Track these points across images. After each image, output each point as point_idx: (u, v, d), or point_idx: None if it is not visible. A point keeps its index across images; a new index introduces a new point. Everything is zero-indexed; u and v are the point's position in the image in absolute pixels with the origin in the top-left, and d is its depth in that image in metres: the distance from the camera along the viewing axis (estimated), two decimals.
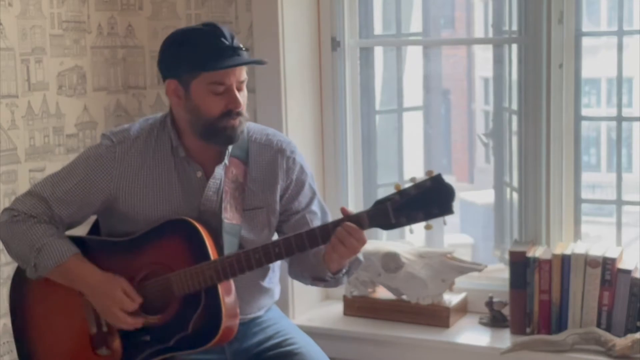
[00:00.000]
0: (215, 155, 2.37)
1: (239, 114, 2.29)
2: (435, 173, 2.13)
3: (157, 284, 2.30)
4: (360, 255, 2.36)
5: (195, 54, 2.25)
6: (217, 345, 2.30)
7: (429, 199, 2.11)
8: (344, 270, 2.34)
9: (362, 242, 2.20)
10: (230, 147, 2.38)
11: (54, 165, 3.05)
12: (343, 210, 2.23)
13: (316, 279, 2.38)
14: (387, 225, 2.17)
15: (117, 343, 2.33)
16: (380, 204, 2.16)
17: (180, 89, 2.30)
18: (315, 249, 2.30)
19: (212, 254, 2.27)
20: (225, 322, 2.25)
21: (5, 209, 2.40)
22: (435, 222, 2.16)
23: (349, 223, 2.18)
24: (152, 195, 2.36)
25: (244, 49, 2.30)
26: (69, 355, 2.39)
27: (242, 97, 2.31)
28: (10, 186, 2.96)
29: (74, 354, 2.38)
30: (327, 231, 2.20)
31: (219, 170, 2.37)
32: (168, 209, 2.35)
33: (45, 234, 2.32)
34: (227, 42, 2.25)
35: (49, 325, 2.40)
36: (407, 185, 2.16)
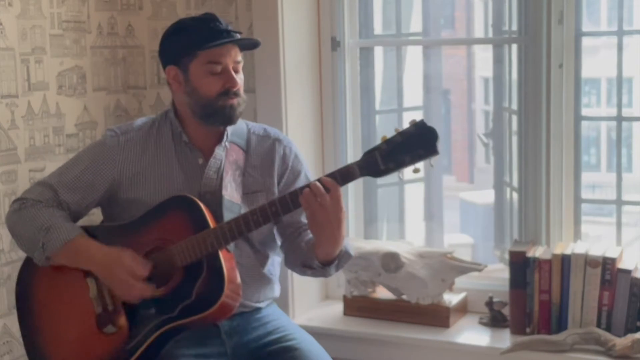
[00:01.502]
0: (216, 143, 2.47)
1: (236, 93, 2.40)
2: (418, 120, 2.20)
3: (159, 257, 2.34)
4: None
5: (192, 37, 2.37)
6: (216, 317, 2.32)
7: (414, 143, 2.19)
8: (335, 263, 2.38)
9: (336, 197, 2.22)
10: (229, 131, 2.47)
11: (54, 165, 3.04)
12: None
13: (305, 266, 2.43)
14: (377, 172, 2.23)
15: (122, 319, 2.37)
16: (368, 153, 2.24)
17: (179, 74, 2.41)
18: (307, 238, 2.41)
19: (212, 223, 2.32)
20: (227, 287, 2.27)
21: (15, 200, 2.47)
22: (422, 166, 2.24)
23: (325, 177, 2.25)
24: (154, 180, 2.44)
25: (238, 33, 2.40)
26: (76, 339, 2.41)
27: (239, 78, 2.41)
28: (10, 186, 2.96)
29: (81, 337, 2.40)
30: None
31: (219, 151, 2.45)
32: (169, 194, 2.41)
33: (54, 215, 2.39)
34: (221, 26, 2.37)
35: (54, 313, 2.43)
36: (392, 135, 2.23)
